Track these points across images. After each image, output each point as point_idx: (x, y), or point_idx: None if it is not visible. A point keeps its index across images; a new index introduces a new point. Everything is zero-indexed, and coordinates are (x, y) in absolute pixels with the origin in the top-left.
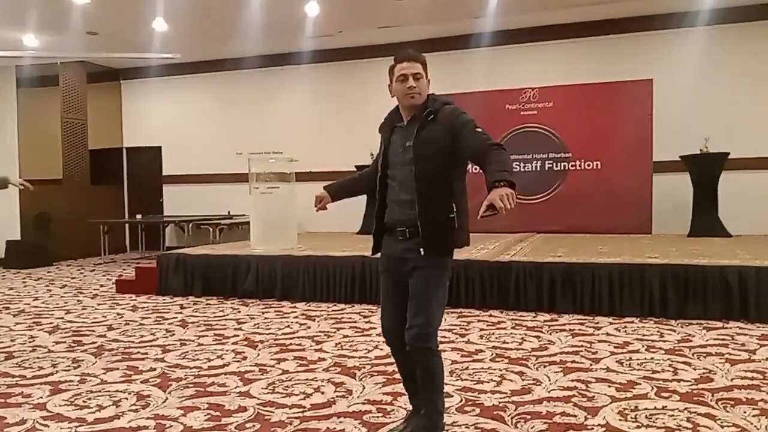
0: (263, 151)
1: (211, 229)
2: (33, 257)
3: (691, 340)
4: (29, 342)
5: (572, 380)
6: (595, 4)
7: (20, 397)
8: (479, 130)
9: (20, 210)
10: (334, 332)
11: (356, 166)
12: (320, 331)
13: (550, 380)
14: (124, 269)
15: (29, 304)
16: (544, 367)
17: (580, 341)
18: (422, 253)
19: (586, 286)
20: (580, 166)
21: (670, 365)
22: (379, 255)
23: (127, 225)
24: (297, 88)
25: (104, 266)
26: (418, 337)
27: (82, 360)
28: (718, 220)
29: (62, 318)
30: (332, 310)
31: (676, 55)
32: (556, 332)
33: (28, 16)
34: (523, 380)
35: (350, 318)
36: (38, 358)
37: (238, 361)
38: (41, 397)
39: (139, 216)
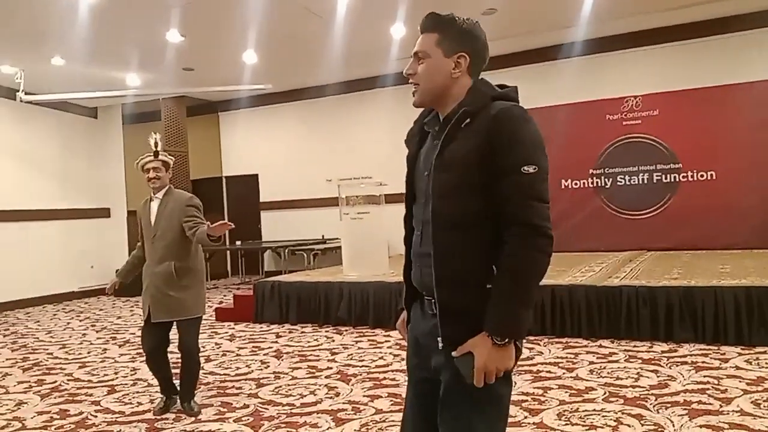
0: (353, 176)
1: (305, 255)
2: (141, 285)
3: None
4: (131, 375)
5: (700, 425)
6: (699, 3)
7: None
8: (528, 170)
9: (128, 239)
10: None
11: None
12: None
13: (674, 426)
14: (224, 295)
15: (134, 334)
16: (666, 408)
17: (705, 377)
18: (440, 345)
19: (708, 312)
20: (692, 177)
21: None
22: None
23: (228, 251)
24: (384, 110)
25: (207, 293)
26: None
27: None
28: None
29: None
30: None
31: None
32: (677, 366)
33: (129, 56)
34: (642, 425)
35: None
36: (138, 392)
37: (330, 398)
38: None
39: (238, 242)
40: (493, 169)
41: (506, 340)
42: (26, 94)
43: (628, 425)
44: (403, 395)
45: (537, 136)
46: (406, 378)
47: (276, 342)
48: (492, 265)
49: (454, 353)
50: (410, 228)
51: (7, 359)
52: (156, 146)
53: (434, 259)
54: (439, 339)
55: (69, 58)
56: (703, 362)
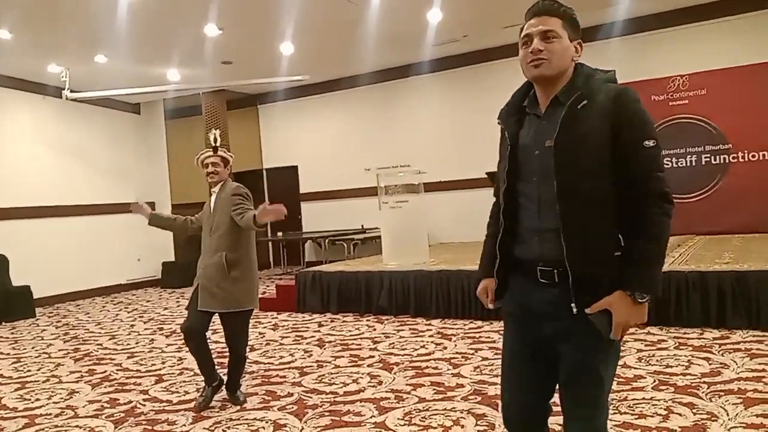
0: (392, 164)
1: (345, 244)
2: (186, 277)
3: None
4: (178, 364)
5: (757, 415)
6: None
7: (165, 424)
8: (649, 144)
9: (173, 232)
10: (472, 354)
11: (487, 173)
12: (457, 353)
13: (728, 414)
14: (267, 286)
15: (180, 324)
16: (719, 397)
17: (760, 364)
18: (574, 310)
19: (763, 297)
20: (743, 158)
21: None
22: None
23: (270, 242)
24: (422, 98)
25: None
26: None
27: None
28: None
29: (209, 339)
30: (469, 328)
31: None
32: (729, 353)
33: (169, 51)
34: (695, 414)
35: (488, 337)
36: (185, 381)
37: (373, 386)
38: (184, 425)
39: (279, 233)
40: (617, 145)
41: (647, 298)
42: (71, 92)
43: (680, 414)
44: (446, 383)
45: (649, 114)
46: (503, 347)
47: (318, 331)
48: (617, 234)
49: (587, 310)
50: (512, 201)
51: (59, 350)
52: (215, 142)
53: (564, 233)
54: (573, 305)
55: (111, 56)
56: (757, 349)
